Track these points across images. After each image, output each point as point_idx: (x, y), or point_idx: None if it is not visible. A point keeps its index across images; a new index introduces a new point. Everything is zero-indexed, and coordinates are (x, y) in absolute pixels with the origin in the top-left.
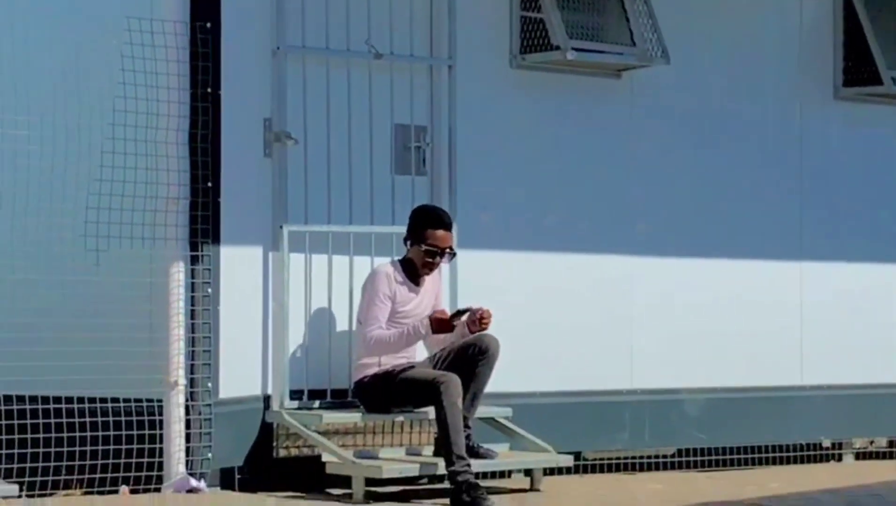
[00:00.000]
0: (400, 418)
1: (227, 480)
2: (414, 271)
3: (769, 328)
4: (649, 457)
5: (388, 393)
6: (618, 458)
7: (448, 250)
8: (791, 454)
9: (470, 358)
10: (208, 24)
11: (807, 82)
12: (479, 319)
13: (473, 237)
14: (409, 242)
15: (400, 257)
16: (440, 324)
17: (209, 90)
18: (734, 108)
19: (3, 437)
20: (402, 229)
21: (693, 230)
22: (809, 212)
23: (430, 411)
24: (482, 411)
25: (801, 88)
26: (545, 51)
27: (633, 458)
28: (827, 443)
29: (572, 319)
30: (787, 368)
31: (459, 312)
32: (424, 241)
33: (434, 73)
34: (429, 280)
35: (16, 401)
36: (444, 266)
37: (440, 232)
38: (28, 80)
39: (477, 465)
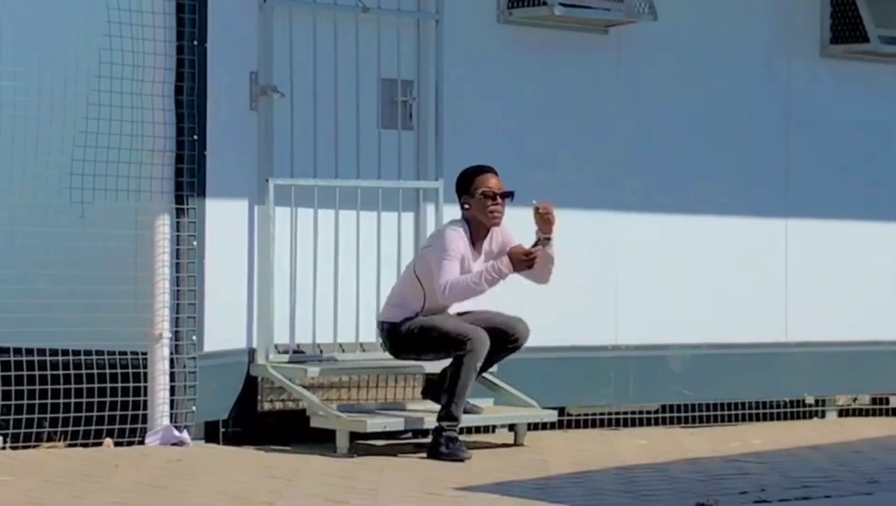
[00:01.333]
0: (427, 366)
1: (211, 433)
2: (476, 234)
3: (754, 285)
4: (633, 413)
5: (419, 340)
6: (602, 414)
7: (504, 195)
8: (775, 411)
9: (502, 342)
10: None
11: (794, 39)
12: (543, 216)
13: None
14: (464, 205)
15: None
16: (520, 260)
17: (195, 43)
18: (721, 65)
19: None
20: (388, 183)
21: (679, 186)
22: (795, 168)
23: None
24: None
25: (789, 45)
26: (533, 6)
27: (618, 414)
28: (810, 400)
29: (557, 274)
30: (772, 325)
31: (536, 244)
32: (477, 189)
33: (421, 27)
34: (491, 244)
35: (0, 353)
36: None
37: (488, 175)
38: (14, 31)
39: (429, 420)
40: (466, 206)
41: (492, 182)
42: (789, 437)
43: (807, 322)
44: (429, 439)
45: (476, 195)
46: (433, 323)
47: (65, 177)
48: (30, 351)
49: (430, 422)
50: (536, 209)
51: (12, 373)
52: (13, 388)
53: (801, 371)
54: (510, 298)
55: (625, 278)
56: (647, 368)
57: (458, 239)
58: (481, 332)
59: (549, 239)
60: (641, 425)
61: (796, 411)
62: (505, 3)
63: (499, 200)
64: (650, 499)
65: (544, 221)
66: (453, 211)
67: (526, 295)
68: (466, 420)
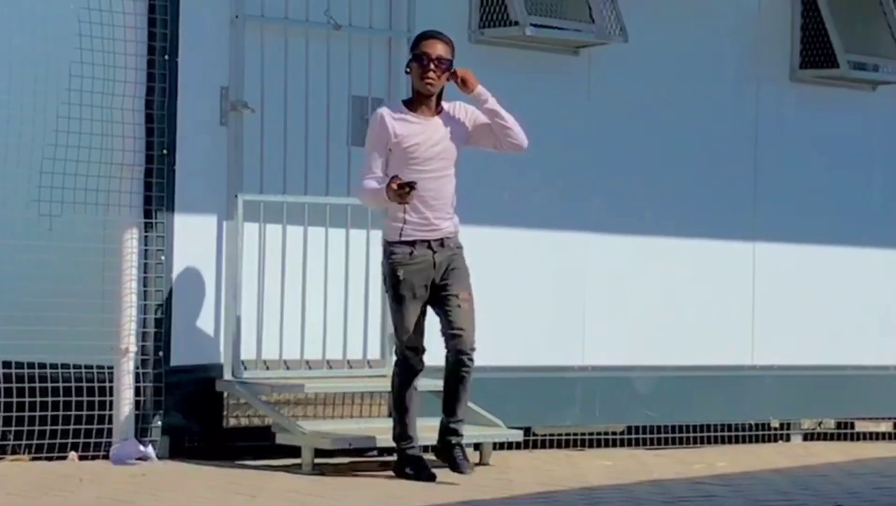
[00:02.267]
0: None
1: (176, 448)
2: (418, 101)
3: (721, 308)
4: (599, 434)
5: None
6: (567, 434)
7: (440, 60)
8: (740, 434)
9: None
10: None
11: (763, 63)
12: (461, 81)
13: None
14: (406, 69)
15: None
16: (393, 192)
17: (166, 57)
18: (691, 88)
19: None
20: (357, 201)
21: (647, 208)
22: (763, 191)
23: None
24: (433, 384)
25: (758, 69)
26: (504, 26)
27: (583, 434)
28: (775, 423)
29: (525, 294)
30: (738, 348)
31: (409, 185)
32: (414, 52)
33: (393, 45)
34: (452, 111)
35: None
36: None
37: (429, 41)
38: None
39: (423, 438)
40: (407, 70)
41: (432, 47)
42: (754, 460)
43: (773, 345)
44: (391, 458)
45: (412, 60)
46: (396, 306)
47: (33, 190)
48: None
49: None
50: (455, 81)
51: None
52: None
53: (766, 394)
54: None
55: (592, 299)
56: (613, 389)
57: (375, 125)
58: (415, 359)
59: (483, 100)
60: (607, 445)
61: (761, 434)
62: (476, 22)
63: (433, 70)
64: None
65: (463, 85)
66: None
67: (493, 314)
68: (431, 439)
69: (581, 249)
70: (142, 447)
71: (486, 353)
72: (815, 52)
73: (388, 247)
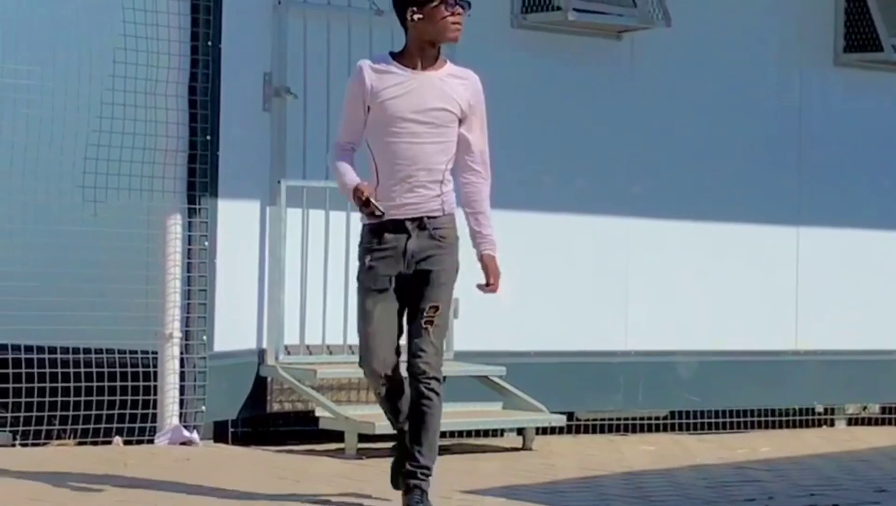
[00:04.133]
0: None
1: (220, 433)
2: (412, 52)
3: (764, 292)
4: (642, 419)
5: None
6: (610, 419)
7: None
8: (784, 419)
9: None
10: None
11: (807, 47)
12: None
13: None
14: (412, 17)
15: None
16: (358, 200)
17: (210, 43)
18: (734, 73)
19: None
20: None
21: (690, 193)
22: (808, 176)
23: None
24: (476, 369)
25: (802, 53)
26: (546, 11)
27: (626, 419)
28: (820, 408)
29: (568, 278)
30: (782, 333)
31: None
32: (415, 9)
33: None
34: (457, 76)
35: (11, 350)
36: None
37: None
38: (30, 29)
39: (466, 423)
40: (418, 16)
41: None
42: (797, 445)
43: (817, 330)
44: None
45: (429, 3)
46: (358, 306)
47: (78, 176)
48: (41, 349)
49: (442, 424)
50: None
51: (23, 370)
52: (24, 385)
53: (810, 379)
54: (519, 303)
55: (634, 283)
56: (656, 374)
57: (349, 85)
58: (378, 383)
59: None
60: (650, 430)
61: (805, 419)
62: (519, 7)
63: (458, 12)
64: (657, 505)
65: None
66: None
67: (536, 299)
68: (473, 423)
69: (623, 233)
70: (186, 432)
71: (528, 338)
72: (860, 36)
73: (363, 229)
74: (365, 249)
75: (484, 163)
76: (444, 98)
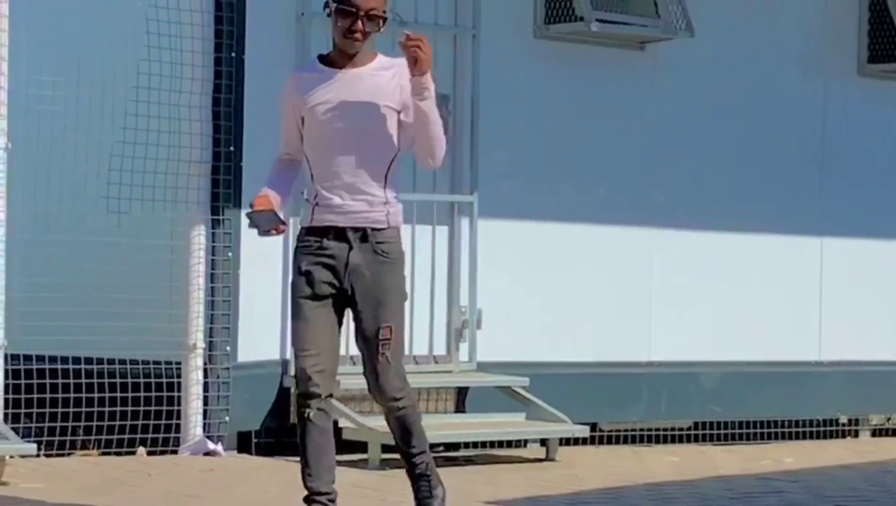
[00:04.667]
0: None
1: (244, 443)
2: (336, 54)
3: (788, 303)
4: (665, 429)
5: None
6: (634, 429)
7: (371, 16)
8: (808, 429)
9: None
10: None
11: (831, 57)
12: (408, 48)
13: (494, 204)
14: (326, 10)
15: None
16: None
17: (233, 55)
18: (757, 83)
19: (23, 396)
20: (424, 196)
21: (713, 203)
22: (830, 187)
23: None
24: (499, 380)
25: (826, 63)
26: (569, 21)
27: (650, 430)
28: (844, 419)
29: (590, 288)
30: (805, 344)
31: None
32: (331, 4)
33: (458, 41)
34: (389, 66)
35: (35, 361)
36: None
37: None
38: (54, 40)
39: (489, 434)
40: (327, 11)
41: None
42: (822, 456)
43: (840, 341)
44: (459, 453)
45: (335, 6)
46: (292, 315)
47: (102, 186)
48: (64, 359)
49: (462, 436)
50: (405, 52)
51: (47, 381)
52: (48, 396)
53: (834, 390)
54: (542, 313)
55: (657, 294)
56: (680, 384)
57: (284, 87)
58: (305, 404)
59: (421, 92)
60: (673, 441)
61: (829, 430)
62: (542, 18)
63: (359, 26)
64: None
65: (413, 64)
66: (489, 225)
67: (559, 310)
68: (497, 434)
69: (646, 243)
70: (210, 443)
71: (552, 348)
72: (884, 46)
73: (300, 235)
74: (302, 254)
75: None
76: (375, 93)
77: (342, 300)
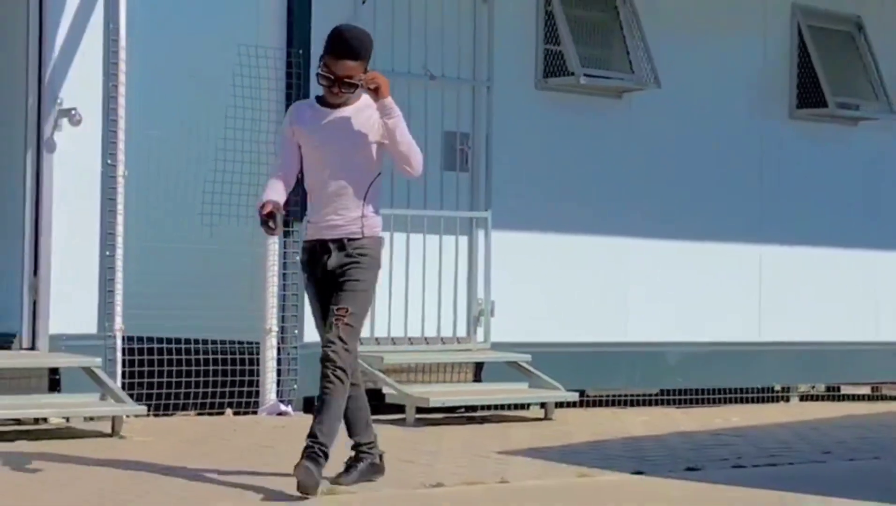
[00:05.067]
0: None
1: (308, 406)
2: (327, 95)
3: (735, 297)
4: (638, 395)
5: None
6: (614, 395)
7: (346, 82)
8: (749, 395)
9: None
10: (300, 51)
11: (768, 104)
12: (368, 86)
13: (505, 220)
14: (318, 71)
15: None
16: (262, 216)
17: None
18: (710, 123)
19: (136, 369)
20: (448, 213)
21: (676, 217)
22: (768, 208)
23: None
24: (508, 356)
25: (764, 109)
26: (563, 76)
27: (627, 396)
28: (778, 387)
29: (579, 284)
30: (748, 328)
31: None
32: (320, 67)
33: (475, 91)
34: (361, 104)
35: (146, 341)
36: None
37: (339, 61)
38: (161, 91)
39: (499, 398)
40: (318, 72)
41: (342, 67)
42: (761, 416)
43: (775, 325)
44: (480, 414)
45: (320, 69)
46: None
47: (198, 205)
48: (170, 340)
49: (479, 400)
50: (366, 88)
51: (155, 356)
52: (156, 368)
53: (770, 364)
54: (540, 305)
55: (633, 289)
56: (650, 360)
57: (286, 119)
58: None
59: (387, 113)
60: (644, 404)
61: (766, 396)
62: (541, 73)
63: (337, 89)
64: (651, 463)
65: (374, 92)
66: (501, 236)
67: (554, 301)
68: (500, 398)
69: (623, 249)
70: (282, 407)
71: (551, 331)
72: (809, 94)
73: (302, 248)
74: (304, 264)
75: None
76: (357, 129)
77: (324, 294)
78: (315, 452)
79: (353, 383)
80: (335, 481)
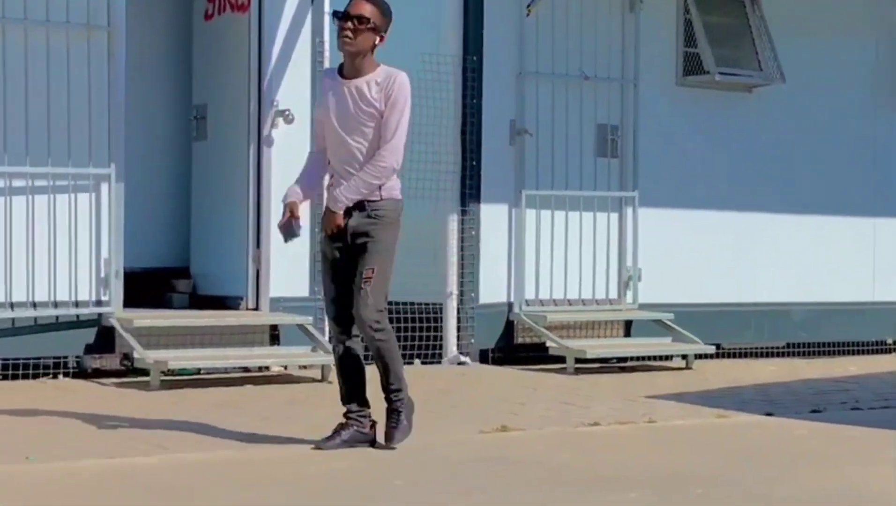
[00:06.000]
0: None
1: (484, 357)
2: (344, 63)
3: (851, 263)
4: (767, 348)
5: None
6: (746, 348)
7: (360, 19)
8: (865, 348)
9: None
10: (475, 57)
11: (879, 96)
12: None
13: (650, 199)
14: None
15: None
16: (283, 217)
17: (475, 101)
18: (828, 113)
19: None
20: (601, 193)
21: (799, 194)
22: (880, 186)
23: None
24: (654, 315)
25: (875, 100)
26: (700, 74)
27: (756, 348)
28: (890, 341)
29: (715, 253)
30: (863, 288)
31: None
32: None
33: (624, 89)
34: (375, 79)
35: None
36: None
37: (351, 2)
38: None
39: (647, 351)
40: (334, 22)
41: (356, 7)
42: (875, 366)
43: (888, 287)
44: (629, 364)
45: (335, 13)
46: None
47: None
48: None
49: (629, 352)
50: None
51: None
52: None
53: (883, 321)
54: (680, 270)
55: (761, 256)
56: (777, 317)
57: (320, 91)
58: (336, 338)
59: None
60: (772, 356)
61: (880, 348)
62: (681, 71)
63: (349, 26)
64: (779, 406)
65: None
66: (647, 214)
67: (695, 266)
68: (643, 351)
69: (753, 223)
70: (462, 358)
71: (691, 293)
72: None
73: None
74: (322, 227)
75: (386, 152)
76: (363, 101)
77: (347, 257)
78: (396, 402)
79: (363, 352)
80: (318, 445)
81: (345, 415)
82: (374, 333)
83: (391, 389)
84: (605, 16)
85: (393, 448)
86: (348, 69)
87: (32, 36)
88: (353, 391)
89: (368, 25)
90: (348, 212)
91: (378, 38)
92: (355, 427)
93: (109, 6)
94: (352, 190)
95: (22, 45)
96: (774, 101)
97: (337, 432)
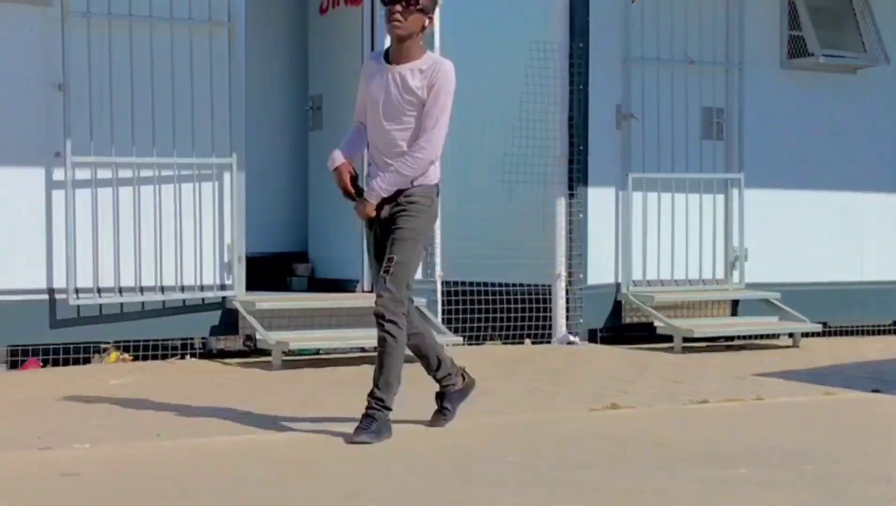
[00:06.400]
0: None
1: (592, 337)
2: (392, 47)
3: None
4: (873, 326)
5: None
6: (852, 326)
7: (408, 1)
8: None
9: None
10: (580, 44)
11: None
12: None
13: (755, 180)
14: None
15: None
16: (343, 186)
17: (581, 87)
18: None
19: (453, 306)
20: (707, 175)
21: None
22: None
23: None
24: (761, 294)
25: None
26: (804, 57)
27: (862, 326)
28: None
29: (820, 233)
30: None
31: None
32: None
33: (728, 73)
34: (419, 67)
35: (460, 285)
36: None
37: None
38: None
39: (755, 330)
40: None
41: None
42: None
43: None
44: (733, 343)
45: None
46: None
47: (500, 174)
48: (480, 284)
49: (736, 331)
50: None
51: (468, 297)
52: (468, 307)
53: None
54: (786, 250)
55: (866, 236)
56: (883, 296)
57: (363, 69)
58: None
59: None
60: (879, 333)
61: None
62: (786, 54)
63: (399, 8)
64: (886, 382)
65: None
66: (752, 195)
67: (801, 246)
68: (746, 330)
69: (856, 202)
70: (571, 337)
71: (797, 272)
72: None
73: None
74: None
75: (425, 143)
76: (405, 89)
77: (381, 244)
78: (374, 409)
79: (414, 331)
80: (432, 424)
81: (439, 383)
82: (384, 322)
83: (375, 394)
84: (710, 1)
85: (364, 443)
86: (395, 54)
87: (157, 33)
88: (431, 360)
89: (417, 7)
90: (384, 201)
91: (427, 20)
92: (454, 388)
93: (230, 3)
94: (387, 181)
95: (147, 41)
96: (879, 82)
97: (443, 407)
